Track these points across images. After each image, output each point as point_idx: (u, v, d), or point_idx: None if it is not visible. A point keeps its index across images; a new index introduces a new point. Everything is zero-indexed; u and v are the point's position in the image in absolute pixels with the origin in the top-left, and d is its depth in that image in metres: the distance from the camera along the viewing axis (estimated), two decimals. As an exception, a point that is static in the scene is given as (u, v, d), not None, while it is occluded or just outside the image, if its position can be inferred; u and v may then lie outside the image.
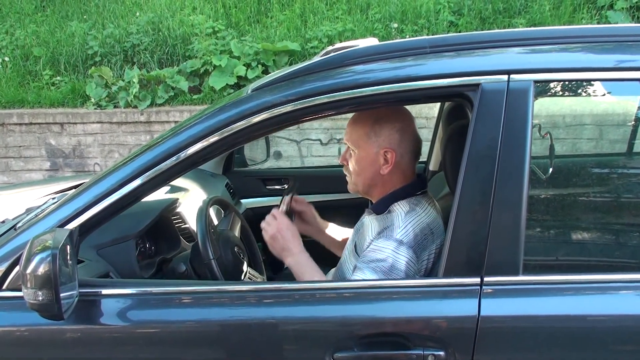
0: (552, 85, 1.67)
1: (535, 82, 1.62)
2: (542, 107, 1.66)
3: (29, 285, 1.53)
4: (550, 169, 1.71)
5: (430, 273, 1.87)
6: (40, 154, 6.91)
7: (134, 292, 1.75)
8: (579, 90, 1.70)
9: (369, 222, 2.01)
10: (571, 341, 1.56)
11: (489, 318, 1.57)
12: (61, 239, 1.56)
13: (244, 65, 6.86)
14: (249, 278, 2.19)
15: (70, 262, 1.58)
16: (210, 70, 6.91)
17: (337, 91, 1.70)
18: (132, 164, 1.75)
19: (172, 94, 6.86)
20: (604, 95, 1.70)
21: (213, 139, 1.71)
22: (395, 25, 7.12)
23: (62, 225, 1.74)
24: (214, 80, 6.84)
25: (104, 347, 1.72)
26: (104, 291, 1.75)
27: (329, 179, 3.49)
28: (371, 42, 2.03)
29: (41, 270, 1.52)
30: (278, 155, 6.43)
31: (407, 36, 6.99)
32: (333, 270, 2.17)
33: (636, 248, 1.79)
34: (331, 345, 1.61)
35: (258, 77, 6.80)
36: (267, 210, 3.34)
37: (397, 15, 7.28)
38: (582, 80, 1.67)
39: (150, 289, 1.76)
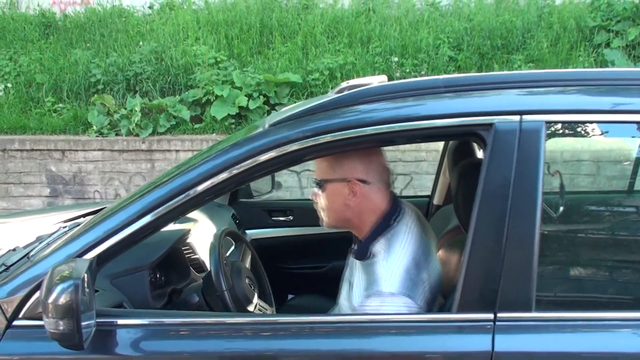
0: (563, 126, 1.72)
1: (547, 122, 1.66)
2: (553, 147, 1.70)
3: (50, 315, 1.55)
4: (562, 207, 1.75)
5: (431, 302, 1.88)
6: (40, 181, 6.93)
7: (150, 322, 1.77)
8: (590, 131, 1.74)
9: (357, 268, 1.99)
10: None
11: (503, 354, 1.59)
12: (82, 269, 1.59)
13: (245, 95, 6.93)
14: (259, 310, 2.21)
15: (88, 291, 1.60)
16: (211, 100, 6.98)
17: (354, 128, 1.73)
18: (154, 193, 1.78)
19: (174, 122, 6.91)
20: (614, 136, 1.74)
21: (235, 170, 1.74)
22: (396, 59, 7.22)
23: (79, 255, 1.76)
24: (215, 110, 6.90)
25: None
26: (120, 321, 1.76)
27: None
28: (382, 79, 2.07)
29: (63, 300, 1.54)
30: (278, 185, 6.47)
31: (407, 70, 7.09)
32: (337, 308, 2.16)
33: None
34: None
35: (259, 107, 6.88)
36: (272, 241, 3.38)
37: (397, 49, 7.38)
38: (592, 122, 1.71)
39: (166, 320, 1.78)
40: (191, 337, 1.74)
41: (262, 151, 1.75)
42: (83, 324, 1.56)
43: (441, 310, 1.88)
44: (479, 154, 2.65)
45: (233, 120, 6.90)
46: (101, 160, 6.84)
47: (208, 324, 1.75)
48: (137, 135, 6.80)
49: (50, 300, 1.55)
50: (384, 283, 1.81)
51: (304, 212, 3.40)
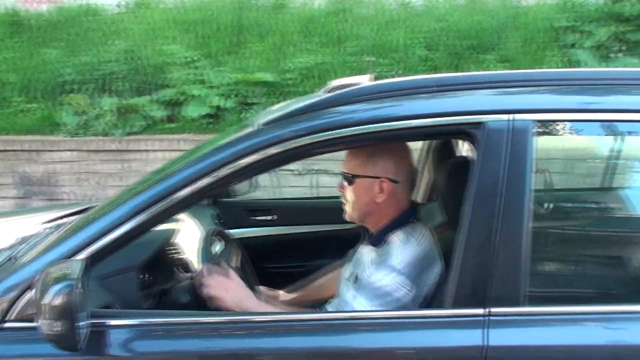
0: (551, 124, 1.75)
1: (536, 121, 1.70)
2: (542, 145, 1.73)
3: (45, 316, 1.54)
4: (551, 204, 1.79)
5: (431, 301, 1.92)
6: (11, 182, 6.82)
7: (142, 322, 1.77)
8: (578, 130, 1.79)
9: (368, 253, 2.07)
10: None
11: (496, 348, 1.62)
12: (77, 269, 1.58)
13: (220, 95, 6.90)
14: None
15: (82, 292, 1.59)
16: (186, 100, 6.94)
17: (348, 127, 1.75)
18: (148, 192, 1.79)
19: (148, 122, 6.86)
20: (601, 134, 1.79)
21: (231, 168, 1.75)
22: (371, 58, 7.25)
23: (70, 256, 1.75)
24: (190, 109, 6.86)
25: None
26: (112, 322, 1.75)
27: (315, 210, 3.54)
28: (369, 79, 2.10)
29: (59, 301, 1.53)
30: (256, 185, 6.46)
31: (382, 69, 7.12)
32: (334, 301, 2.21)
33: (636, 279, 1.86)
34: None
35: (234, 107, 6.86)
36: (252, 240, 3.39)
37: (371, 49, 7.41)
38: (580, 121, 1.74)
39: (159, 320, 1.78)
40: (185, 336, 1.74)
41: (259, 149, 1.75)
42: (79, 324, 1.55)
43: (430, 303, 1.92)
44: (462, 151, 2.69)
45: (207, 120, 6.87)
46: (73, 161, 6.75)
47: (203, 323, 1.75)
48: (110, 135, 6.74)
49: (46, 301, 1.54)
50: (394, 259, 1.92)
51: (287, 212, 3.41)
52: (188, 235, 2.63)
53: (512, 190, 1.67)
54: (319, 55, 7.31)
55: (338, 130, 1.76)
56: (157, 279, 2.26)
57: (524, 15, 7.66)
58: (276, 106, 2.42)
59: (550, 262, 1.89)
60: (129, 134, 6.77)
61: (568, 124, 1.76)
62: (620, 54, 6.93)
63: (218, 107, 6.85)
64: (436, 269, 1.96)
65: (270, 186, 6.46)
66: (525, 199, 1.66)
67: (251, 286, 2.41)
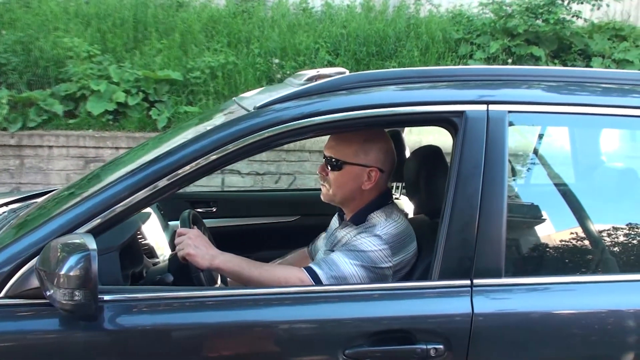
0: (524, 115, 1.97)
1: (510, 112, 1.90)
2: (515, 133, 1.94)
3: (64, 285, 1.55)
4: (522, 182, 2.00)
5: (409, 275, 2.07)
6: None
7: (133, 297, 1.80)
8: (548, 120, 2.02)
9: (347, 232, 2.19)
10: (546, 335, 1.83)
11: (481, 314, 1.80)
12: (91, 240, 1.60)
13: (123, 91, 6.78)
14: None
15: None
16: (87, 95, 6.76)
17: (343, 112, 1.88)
18: (148, 169, 1.83)
19: (46, 117, 6.62)
20: (568, 125, 2.03)
21: (235, 146, 1.85)
22: (277, 60, 7.38)
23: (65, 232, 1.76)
24: (91, 105, 6.70)
25: (108, 353, 1.75)
26: (106, 297, 1.76)
27: (257, 202, 3.61)
28: (343, 71, 2.23)
29: (78, 270, 1.55)
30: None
31: (288, 71, 7.27)
32: (316, 259, 2.28)
33: (607, 250, 2.11)
34: (342, 344, 1.76)
35: (139, 104, 6.75)
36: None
37: (277, 51, 7.54)
38: (550, 113, 1.97)
39: (151, 295, 1.83)
40: (177, 310, 1.79)
41: (258, 130, 1.84)
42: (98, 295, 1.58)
43: (407, 276, 2.10)
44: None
45: (110, 117, 6.72)
46: (-37, 156, 6.41)
47: (209, 296, 1.83)
48: (4, 129, 6.43)
49: (64, 271, 1.55)
50: (378, 228, 2.08)
51: (227, 203, 3.46)
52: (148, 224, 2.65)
53: (492, 172, 1.85)
54: (224, 55, 7.34)
55: (333, 115, 1.88)
56: (128, 262, 2.27)
57: (420, 25, 8.06)
58: (250, 93, 2.50)
59: (527, 236, 2.10)
60: (26, 128, 6.49)
61: (539, 115, 1.98)
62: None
63: (121, 104, 6.72)
64: (412, 247, 2.12)
65: (203, 184, 6.41)
66: (502, 180, 1.85)
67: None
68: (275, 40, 7.66)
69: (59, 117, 6.65)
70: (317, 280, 1.99)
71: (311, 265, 2.06)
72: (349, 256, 2.03)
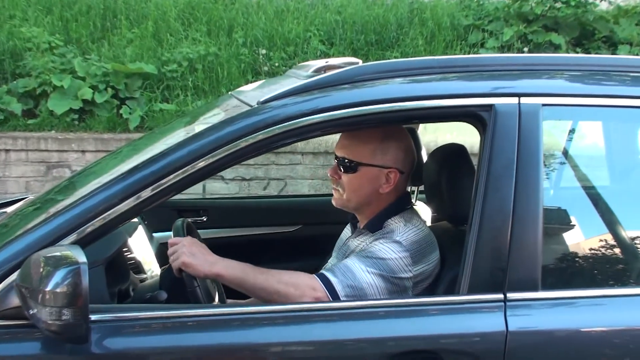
0: (560, 108, 1.99)
1: (544, 105, 1.92)
2: (550, 129, 1.97)
3: (51, 303, 1.56)
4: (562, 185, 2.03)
5: (432, 289, 2.09)
6: None
7: (125, 317, 1.80)
8: (586, 114, 2.05)
9: (362, 240, 2.21)
10: (592, 356, 1.85)
11: (516, 332, 1.81)
12: (79, 253, 1.61)
13: (90, 87, 6.77)
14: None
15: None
16: (48, 92, 6.76)
17: (358, 106, 1.89)
18: (137, 174, 1.84)
19: (1, 117, 6.63)
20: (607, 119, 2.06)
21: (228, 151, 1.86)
22: (263, 51, 7.40)
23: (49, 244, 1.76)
24: (54, 103, 6.70)
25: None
26: (94, 317, 1.76)
27: (253, 210, 3.61)
28: (356, 61, 2.25)
29: (66, 286, 1.55)
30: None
31: (276, 63, 7.30)
32: (328, 266, 2.30)
33: None
34: None
35: (108, 101, 6.75)
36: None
37: (264, 40, 7.57)
38: (588, 106, 2.00)
39: (143, 314, 1.83)
40: (177, 331, 1.79)
41: (264, 127, 1.85)
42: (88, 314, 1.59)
43: (431, 288, 2.11)
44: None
45: (75, 116, 6.72)
46: None
47: (202, 315, 1.83)
48: (-45, 131, 6.44)
49: (49, 287, 1.55)
50: (397, 234, 2.10)
51: (219, 212, 3.46)
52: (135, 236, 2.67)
53: (526, 173, 1.87)
54: (204, 45, 7.36)
55: (348, 110, 1.89)
56: (112, 279, 2.27)
57: (425, 10, 8.12)
58: (248, 86, 2.52)
59: (565, 244, 2.13)
60: (-22, 129, 6.49)
61: (576, 109, 2.01)
62: (526, 55, 7.55)
63: (88, 101, 6.72)
64: (434, 257, 2.14)
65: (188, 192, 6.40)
66: (538, 181, 1.87)
67: (218, 285, 2.48)
68: (262, 28, 7.70)
69: (17, 117, 6.66)
70: (331, 290, 1.99)
71: (324, 272, 2.06)
72: (366, 263, 2.04)
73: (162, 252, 3.20)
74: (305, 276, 2.05)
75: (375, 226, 2.20)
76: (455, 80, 2.02)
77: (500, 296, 1.85)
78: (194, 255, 2.02)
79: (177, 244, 2.07)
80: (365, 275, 2.02)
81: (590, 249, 2.13)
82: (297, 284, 2.01)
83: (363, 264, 2.04)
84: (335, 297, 1.98)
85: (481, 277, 1.86)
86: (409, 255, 2.06)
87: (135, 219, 2.69)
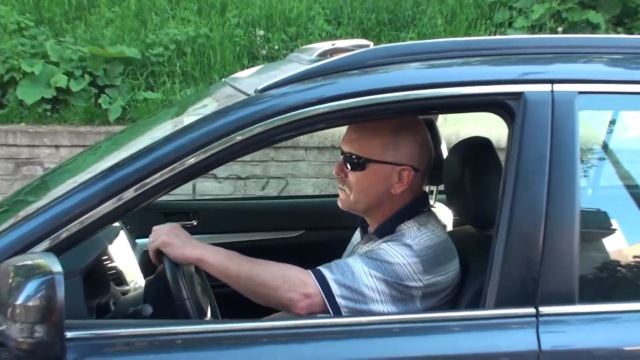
0: (599, 97, 1.99)
1: (580, 92, 1.92)
2: (588, 119, 1.96)
3: (21, 319, 1.56)
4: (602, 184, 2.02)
5: (451, 302, 2.09)
6: None
7: (101, 334, 1.81)
8: (628, 103, 2.04)
9: (372, 245, 2.19)
10: None
11: (550, 352, 1.81)
12: (54, 262, 1.61)
13: (64, 73, 6.79)
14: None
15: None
16: (17, 79, 6.78)
17: (369, 95, 1.89)
18: (118, 172, 1.84)
19: (-35, 108, 6.65)
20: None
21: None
22: (261, 32, 7.41)
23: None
24: (23, 91, 6.75)
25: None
26: (69, 334, 1.76)
27: (249, 213, 3.62)
28: (368, 43, 2.25)
29: (38, 300, 1.55)
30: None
31: (276, 46, 7.30)
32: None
33: None
34: None
35: (85, 90, 6.76)
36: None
37: (261, 20, 7.58)
38: (630, 93, 1.99)
39: (135, 330, 1.83)
40: (165, 349, 1.80)
41: (264, 118, 1.85)
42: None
43: (454, 301, 2.11)
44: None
45: (48, 106, 6.74)
46: None
47: (194, 332, 1.83)
48: None
49: (20, 300, 1.56)
50: (408, 237, 2.08)
51: (211, 215, 3.46)
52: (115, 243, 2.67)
53: (560, 170, 1.86)
54: (193, 26, 7.37)
55: (358, 99, 1.88)
56: (90, 291, 2.28)
57: (444, -15, 8.13)
58: (244, 73, 2.52)
59: (608, 251, 2.12)
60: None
61: (616, 96, 2.00)
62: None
63: (62, 90, 6.74)
64: (452, 267, 2.12)
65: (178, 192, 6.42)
66: (574, 179, 1.86)
67: (209, 296, 2.48)
68: (259, 6, 7.70)
69: (-18, 108, 6.68)
70: (325, 287, 1.98)
71: (320, 268, 2.06)
72: (369, 265, 2.02)
73: (146, 261, 3.21)
74: (297, 269, 2.04)
75: (386, 231, 2.19)
76: (479, 65, 2.01)
77: (532, 310, 1.84)
78: (176, 235, 2.04)
79: (157, 229, 2.11)
80: (366, 277, 2.00)
81: (634, 257, 2.13)
82: (287, 277, 2.00)
83: (366, 265, 2.02)
84: (329, 296, 1.97)
85: (510, 289, 1.86)
86: (420, 262, 2.03)
87: (117, 224, 2.69)
